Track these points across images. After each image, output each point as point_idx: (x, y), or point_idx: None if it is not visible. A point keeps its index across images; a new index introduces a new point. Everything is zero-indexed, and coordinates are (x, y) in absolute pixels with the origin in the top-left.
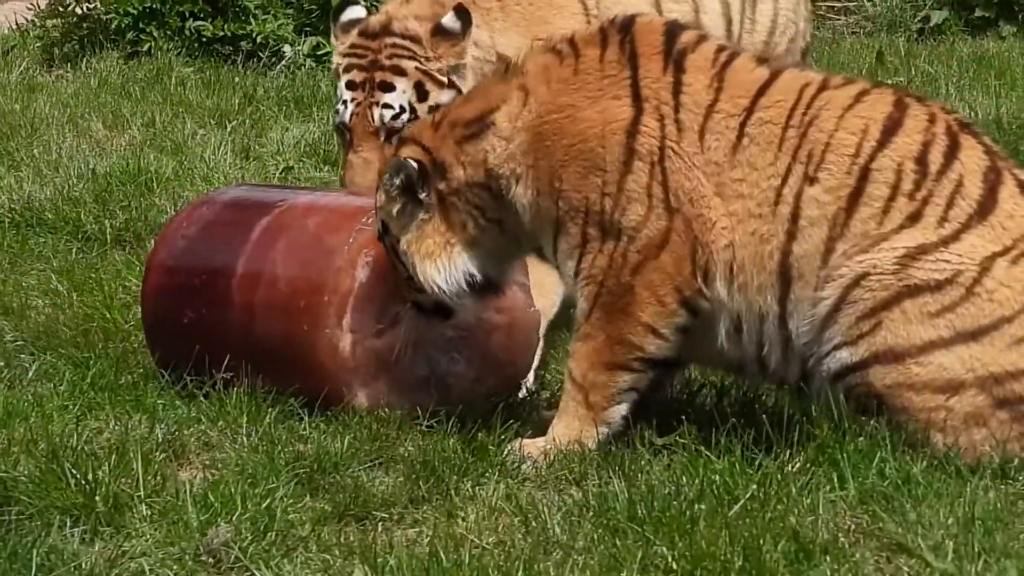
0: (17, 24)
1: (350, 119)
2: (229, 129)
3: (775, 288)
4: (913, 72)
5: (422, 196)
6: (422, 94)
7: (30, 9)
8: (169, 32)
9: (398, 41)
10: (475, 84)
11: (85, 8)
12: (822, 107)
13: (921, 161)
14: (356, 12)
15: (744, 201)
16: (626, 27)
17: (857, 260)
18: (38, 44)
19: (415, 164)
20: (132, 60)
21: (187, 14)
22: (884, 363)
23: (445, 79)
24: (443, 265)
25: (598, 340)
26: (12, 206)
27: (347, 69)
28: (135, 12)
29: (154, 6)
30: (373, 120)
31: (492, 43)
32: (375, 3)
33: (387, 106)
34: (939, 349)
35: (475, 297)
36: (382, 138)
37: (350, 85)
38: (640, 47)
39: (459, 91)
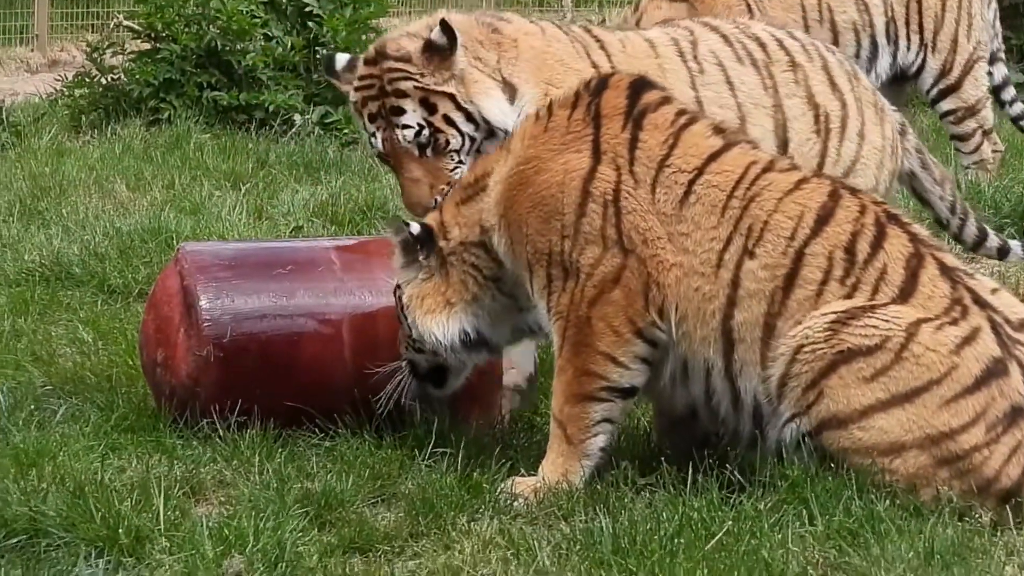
0: (47, 93)
1: (384, 147)
2: (243, 191)
3: (719, 343)
4: None
5: (420, 258)
6: (430, 108)
7: (58, 80)
8: (188, 101)
9: (391, 64)
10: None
11: (110, 79)
12: (765, 187)
13: (850, 250)
14: (345, 57)
15: (689, 256)
16: (597, 91)
17: (791, 335)
18: (66, 112)
19: (418, 227)
20: (153, 127)
21: (204, 84)
22: (832, 429)
23: (445, 89)
24: (441, 321)
25: (568, 374)
26: (43, 261)
27: (363, 103)
28: (156, 83)
29: (174, 77)
30: (401, 142)
31: (499, 66)
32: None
33: (406, 127)
34: (878, 412)
35: (469, 353)
36: (417, 154)
37: (371, 117)
38: (604, 108)
39: (466, 95)
